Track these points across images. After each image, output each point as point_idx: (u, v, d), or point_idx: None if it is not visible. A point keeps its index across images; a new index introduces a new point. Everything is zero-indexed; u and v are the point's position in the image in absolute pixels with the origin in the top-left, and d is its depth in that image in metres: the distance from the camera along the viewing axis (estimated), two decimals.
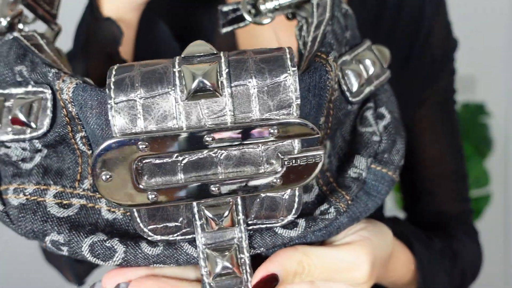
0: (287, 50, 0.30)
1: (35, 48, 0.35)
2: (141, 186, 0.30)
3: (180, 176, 0.30)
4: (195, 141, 0.29)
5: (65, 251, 0.34)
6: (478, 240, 0.63)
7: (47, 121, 0.33)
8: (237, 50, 0.31)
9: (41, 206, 0.34)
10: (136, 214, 0.32)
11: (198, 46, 0.30)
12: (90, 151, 0.34)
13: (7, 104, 0.34)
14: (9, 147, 0.35)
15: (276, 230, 0.34)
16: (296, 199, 0.32)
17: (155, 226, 0.32)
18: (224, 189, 0.30)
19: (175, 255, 0.33)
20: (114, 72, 0.30)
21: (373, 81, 0.38)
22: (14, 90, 0.35)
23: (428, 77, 0.61)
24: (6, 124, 0.34)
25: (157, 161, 0.30)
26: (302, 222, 0.34)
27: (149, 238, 0.33)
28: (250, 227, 0.33)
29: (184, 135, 0.29)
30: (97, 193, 0.34)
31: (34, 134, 0.34)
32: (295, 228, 0.34)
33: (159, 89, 0.29)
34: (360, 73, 0.37)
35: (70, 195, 0.35)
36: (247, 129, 0.29)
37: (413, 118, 0.61)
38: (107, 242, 0.33)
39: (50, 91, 0.33)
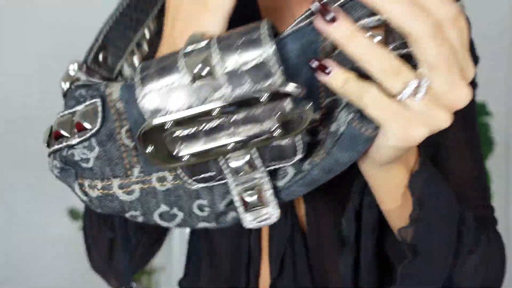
0: (265, 27, 0.37)
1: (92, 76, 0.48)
2: (175, 153, 0.39)
3: (203, 140, 0.39)
4: (205, 113, 0.37)
5: (140, 220, 0.45)
6: (501, 251, 0.58)
7: (99, 120, 0.43)
8: (225, 33, 0.38)
9: (114, 197, 0.44)
10: (179, 171, 0.42)
11: (194, 37, 0.39)
12: (133, 143, 0.43)
13: (74, 118, 0.44)
14: (75, 148, 0.44)
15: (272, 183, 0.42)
16: (299, 142, 0.39)
17: (196, 178, 0.41)
18: (238, 145, 0.38)
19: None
20: (139, 70, 0.39)
21: None
22: (77, 107, 0.44)
23: None
24: (74, 132, 0.44)
25: (184, 133, 0.39)
26: (291, 172, 0.41)
27: (193, 187, 0.42)
28: (268, 168, 0.41)
29: (197, 111, 0.37)
30: (148, 176, 0.43)
31: (92, 131, 0.43)
32: (284, 177, 0.41)
33: (172, 80, 0.38)
34: None
35: (129, 183, 0.44)
36: (243, 101, 0.37)
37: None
38: (171, 211, 0.44)
39: (100, 100, 0.43)
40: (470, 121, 0.62)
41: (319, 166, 0.40)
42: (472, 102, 0.63)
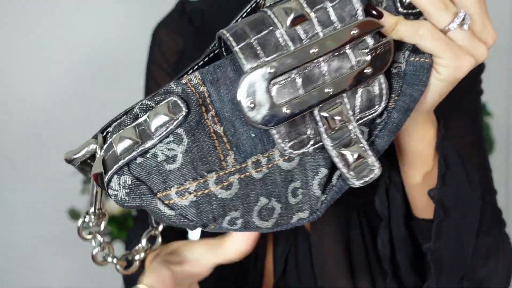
0: None
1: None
2: (277, 103, 0.38)
3: (301, 90, 0.39)
4: (303, 55, 0.38)
5: (238, 224, 0.41)
6: (510, 252, 0.57)
7: (183, 107, 0.39)
8: None
9: (211, 196, 0.40)
10: (277, 136, 0.40)
11: None
12: (222, 128, 0.40)
13: (143, 127, 0.39)
14: (157, 148, 0.39)
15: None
16: (383, 86, 0.42)
17: (292, 142, 0.41)
18: (334, 88, 0.39)
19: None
20: (225, 32, 0.38)
21: None
22: (140, 119, 0.39)
23: (456, 100, 0.61)
24: (148, 134, 0.39)
25: (283, 83, 0.39)
26: (366, 131, 0.43)
27: (290, 155, 0.41)
28: (358, 122, 0.42)
29: (295, 51, 0.38)
30: (243, 162, 0.41)
31: (179, 119, 0.38)
32: (364, 135, 0.42)
33: (266, 30, 0.38)
34: None
35: (226, 176, 0.40)
36: (334, 35, 0.39)
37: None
38: (269, 204, 0.42)
39: (174, 96, 0.39)
40: (477, 125, 0.62)
41: (395, 109, 0.42)
42: (477, 112, 0.63)
